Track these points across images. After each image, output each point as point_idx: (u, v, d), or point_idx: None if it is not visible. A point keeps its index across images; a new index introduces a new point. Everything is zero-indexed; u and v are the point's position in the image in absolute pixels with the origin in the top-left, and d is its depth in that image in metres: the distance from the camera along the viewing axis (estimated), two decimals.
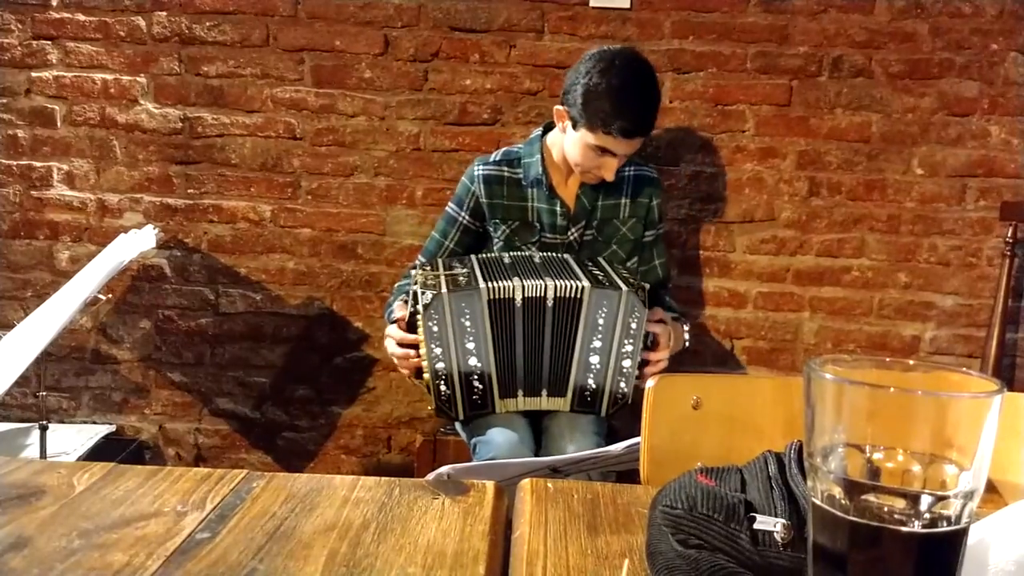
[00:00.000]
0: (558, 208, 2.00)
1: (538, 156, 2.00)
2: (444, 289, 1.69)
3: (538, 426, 1.90)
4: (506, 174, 2.01)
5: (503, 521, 0.81)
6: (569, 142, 1.93)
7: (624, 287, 1.74)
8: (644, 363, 1.80)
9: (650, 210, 2.06)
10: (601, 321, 1.74)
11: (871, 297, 2.48)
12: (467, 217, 2.03)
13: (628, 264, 2.05)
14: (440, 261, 1.92)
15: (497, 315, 1.73)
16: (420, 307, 1.69)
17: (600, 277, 1.79)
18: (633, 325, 1.74)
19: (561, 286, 1.74)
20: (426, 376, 1.73)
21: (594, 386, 1.76)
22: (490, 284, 1.72)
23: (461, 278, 1.76)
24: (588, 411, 1.79)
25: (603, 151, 1.88)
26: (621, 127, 1.83)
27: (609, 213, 2.03)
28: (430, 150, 2.45)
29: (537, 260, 1.89)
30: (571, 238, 2.01)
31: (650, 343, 1.80)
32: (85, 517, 0.78)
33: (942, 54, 2.37)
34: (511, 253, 1.95)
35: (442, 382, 1.72)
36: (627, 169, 2.03)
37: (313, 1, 2.39)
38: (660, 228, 2.12)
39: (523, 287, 1.73)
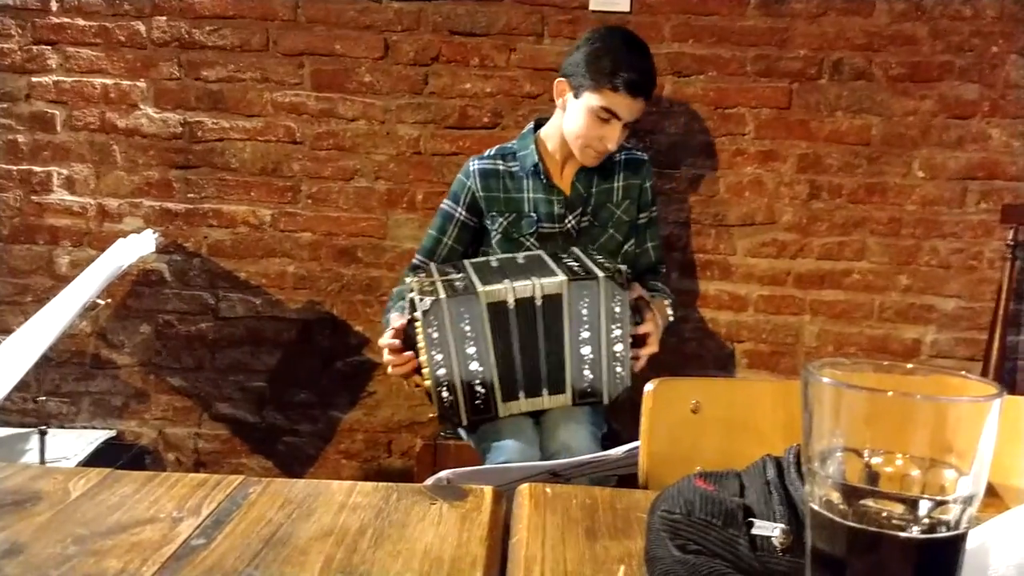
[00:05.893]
0: (555, 197, 2.02)
1: (532, 147, 2.03)
2: (443, 295, 1.68)
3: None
4: (501, 167, 2.04)
5: (501, 526, 0.81)
6: (571, 115, 1.96)
7: (600, 273, 1.73)
8: (636, 343, 1.80)
9: (643, 191, 2.09)
10: (585, 312, 1.73)
11: (872, 300, 2.48)
12: (464, 213, 2.05)
13: (625, 247, 2.07)
14: (435, 267, 1.91)
15: (495, 318, 1.72)
16: (419, 313, 1.67)
17: (576, 268, 1.79)
18: (617, 309, 1.74)
19: (544, 284, 1.73)
20: (427, 383, 1.72)
21: (591, 376, 1.76)
22: (488, 288, 1.72)
23: (458, 283, 1.74)
24: (591, 402, 1.78)
25: (608, 114, 1.90)
26: (627, 80, 1.88)
27: (603, 198, 2.05)
28: (430, 154, 2.45)
29: (521, 260, 1.89)
30: (568, 226, 2.03)
31: (636, 321, 1.81)
32: (80, 523, 0.77)
33: (942, 57, 2.36)
34: (498, 256, 1.95)
35: (444, 388, 1.71)
36: (618, 155, 2.06)
37: (313, 5, 2.39)
38: (653, 211, 2.14)
39: (514, 289, 1.72)
